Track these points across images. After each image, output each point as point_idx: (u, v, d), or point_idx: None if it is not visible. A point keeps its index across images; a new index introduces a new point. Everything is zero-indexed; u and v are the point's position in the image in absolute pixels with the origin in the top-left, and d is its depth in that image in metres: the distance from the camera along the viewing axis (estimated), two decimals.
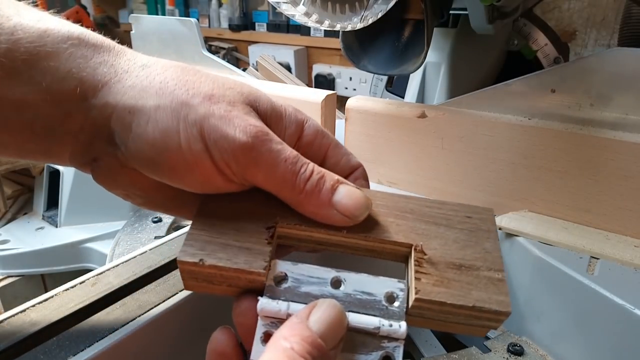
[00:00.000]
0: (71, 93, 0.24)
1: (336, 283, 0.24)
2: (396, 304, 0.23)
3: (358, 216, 0.26)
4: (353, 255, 0.27)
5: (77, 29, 0.26)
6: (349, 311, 0.23)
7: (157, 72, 0.26)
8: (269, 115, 0.28)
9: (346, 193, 0.26)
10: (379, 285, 0.24)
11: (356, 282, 0.24)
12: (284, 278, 0.24)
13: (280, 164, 0.25)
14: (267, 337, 0.22)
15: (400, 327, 0.22)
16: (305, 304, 0.23)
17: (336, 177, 0.26)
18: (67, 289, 0.35)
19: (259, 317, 0.23)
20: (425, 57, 0.53)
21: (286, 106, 0.29)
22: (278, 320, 0.23)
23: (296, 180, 0.25)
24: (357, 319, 0.23)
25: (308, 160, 0.26)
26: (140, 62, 0.26)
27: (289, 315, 0.23)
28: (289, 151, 0.26)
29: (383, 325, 0.22)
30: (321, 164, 0.28)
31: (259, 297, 0.23)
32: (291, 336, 0.20)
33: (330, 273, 0.24)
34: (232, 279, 0.24)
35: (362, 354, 0.22)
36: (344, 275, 0.24)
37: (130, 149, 0.25)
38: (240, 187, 0.26)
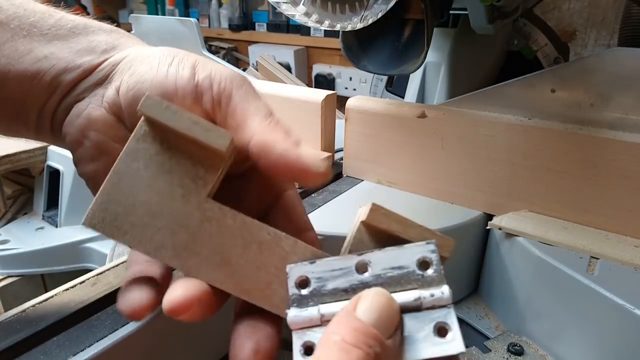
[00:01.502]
0: (99, 50, 0.28)
1: (362, 267, 0.22)
2: (431, 269, 0.21)
3: (319, 164, 0.24)
4: None
5: (115, 27, 0.30)
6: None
7: None
8: None
9: (311, 148, 0.25)
10: (407, 255, 0.22)
11: (383, 260, 0.22)
12: (306, 281, 0.22)
13: (260, 100, 0.26)
14: (308, 349, 0.21)
15: (443, 292, 0.21)
16: (338, 301, 0.21)
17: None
18: (67, 289, 0.35)
19: (292, 332, 0.21)
20: (425, 57, 0.53)
21: None
22: (315, 327, 0.21)
23: (270, 116, 0.25)
24: (398, 298, 0.21)
25: None
26: None
27: (324, 319, 0.21)
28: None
29: (424, 296, 0.21)
30: None
31: (286, 311, 0.22)
32: (341, 329, 0.19)
33: (352, 260, 0.22)
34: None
35: (413, 332, 0.20)
36: (367, 257, 0.22)
37: (126, 75, 0.27)
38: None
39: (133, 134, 0.23)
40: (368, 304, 0.20)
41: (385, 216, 0.23)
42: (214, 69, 0.26)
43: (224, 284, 0.23)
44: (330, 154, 0.24)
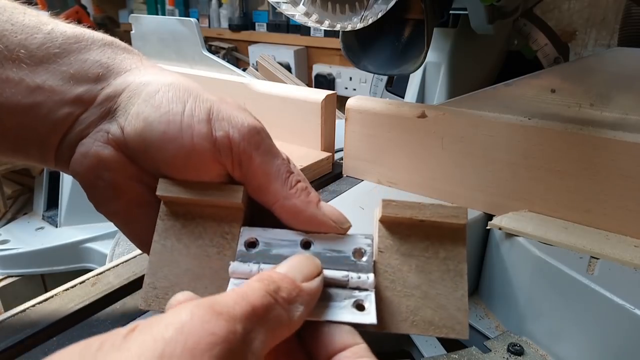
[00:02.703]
0: (94, 76, 0.26)
1: (306, 244, 0.25)
2: (364, 258, 0.24)
3: (343, 222, 0.26)
4: None
5: (109, 37, 0.28)
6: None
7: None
8: None
9: (329, 206, 0.27)
10: (347, 243, 0.25)
11: (325, 242, 0.25)
12: (254, 243, 0.25)
13: (279, 158, 0.26)
14: None
15: (369, 278, 0.24)
16: (276, 264, 0.23)
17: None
18: (67, 289, 0.35)
19: (230, 279, 0.24)
20: (425, 57, 0.53)
21: None
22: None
23: (290, 177, 0.26)
24: (327, 274, 0.24)
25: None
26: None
27: None
28: (285, 155, 0.27)
29: (352, 277, 0.24)
30: None
31: (230, 262, 0.24)
32: (258, 275, 0.21)
33: (300, 236, 0.25)
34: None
35: (335, 301, 0.23)
36: (313, 237, 0.25)
37: (131, 115, 0.25)
38: (219, 177, 0.26)
39: (158, 216, 0.26)
40: (287, 261, 0.22)
41: (397, 207, 0.25)
42: (232, 123, 0.25)
43: None
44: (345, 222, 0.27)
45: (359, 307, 0.23)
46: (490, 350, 0.40)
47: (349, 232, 0.26)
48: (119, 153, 0.26)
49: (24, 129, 0.26)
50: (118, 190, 0.27)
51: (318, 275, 0.22)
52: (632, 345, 0.34)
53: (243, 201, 0.25)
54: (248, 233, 0.25)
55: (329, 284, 0.23)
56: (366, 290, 0.23)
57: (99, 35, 0.28)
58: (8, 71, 0.24)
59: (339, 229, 0.26)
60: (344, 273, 0.24)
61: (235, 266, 0.24)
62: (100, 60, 0.27)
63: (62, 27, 0.27)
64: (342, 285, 0.24)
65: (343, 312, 0.23)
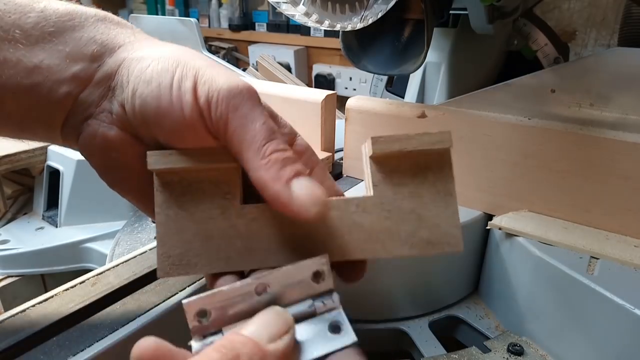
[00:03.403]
0: (89, 54, 0.26)
1: (261, 289, 0.23)
2: (322, 279, 0.24)
3: (308, 209, 0.23)
4: None
5: (102, 11, 0.28)
6: (284, 306, 0.23)
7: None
8: (266, 108, 0.27)
9: (307, 185, 0.24)
10: (303, 270, 0.24)
11: (281, 278, 0.24)
12: (205, 312, 0.23)
13: (257, 122, 0.24)
14: None
15: (334, 300, 0.24)
16: (242, 322, 0.23)
17: (306, 170, 0.25)
18: (67, 289, 0.35)
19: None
20: (425, 57, 0.53)
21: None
22: None
23: (265, 145, 0.24)
24: (293, 311, 0.23)
25: (286, 140, 0.25)
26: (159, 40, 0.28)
27: None
28: (273, 124, 0.25)
29: (317, 306, 0.24)
30: None
31: (190, 343, 0.22)
32: (220, 342, 0.20)
33: (251, 285, 0.23)
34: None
35: (311, 334, 0.23)
36: (266, 279, 0.23)
37: (127, 93, 0.25)
38: (210, 142, 0.26)
39: (155, 188, 0.26)
40: (256, 319, 0.21)
41: (385, 142, 0.25)
42: (212, 87, 0.24)
43: (296, 259, 0.25)
44: (325, 198, 0.25)
45: (335, 329, 0.23)
46: (490, 350, 0.40)
47: (301, 262, 0.24)
48: (124, 132, 0.27)
49: (27, 110, 0.26)
50: (128, 169, 0.27)
51: (287, 331, 0.21)
52: (632, 345, 0.34)
53: (238, 163, 0.25)
54: (193, 304, 0.23)
55: (300, 319, 0.23)
56: (334, 309, 0.24)
57: (92, 10, 0.28)
58: (5, 52, 0.24)
59: (301, 214, 0.23)
60: (309, 302, 0.23)
61: (198, 347, 0.22)
62: (94, 37, 0.26)
63: (54, 5, 0.26)
64: (311, 315, 0.23)
65: (322, 343, 0.22)
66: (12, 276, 0.75)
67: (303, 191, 0.23)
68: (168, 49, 0.27)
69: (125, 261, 0.39)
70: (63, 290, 0.35)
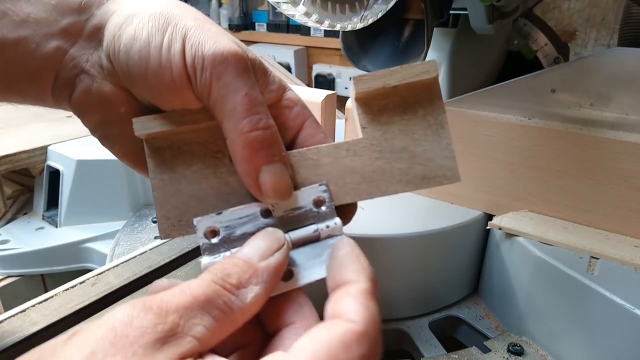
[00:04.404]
0: (76, 6, 0.26)
1: (266, 212, 0.25)
2: (324, 206, 0.25)
3: (268, 197, 0.24)
4: None
5: None
6: (288, 231, 0.24)
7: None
8: (256, 66, 0.27)
9: (278, 171, 0.24)
10: (304, 197, 0.25)
11: (283, 204, 0.25)
12: (215, 231, 0.24)
13: (239, 92, 0.24)
14: None
15: (336, 223, 0.24)
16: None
17: (283, 150, 0.25)
18: (67, 289, 0.35)
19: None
20: (425, 57, 0.53)
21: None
22: None
23: (246, 119, 0.24)
24: (297, 234, 0.24)
25: (270, 116, 0.25)
26: None
27: None
28: (257, 94, 0.25)
29: (321, 229, 0.24)
30: (296, 133, 0.28)
31: (200, 259, 0.24)
32: (208, 269, 0.20)
33: (257, 206, 0.25)
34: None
35: (315, 258, 0.23)
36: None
37: (116, 48, 0.25)
38: (196, 104, 0.26)
39: (146, 154, 0.26)
40: (250, 241, 0.22)
41: (369, 80, 0.25)
42: (199, 51, 0.24)
43: None
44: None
45: None
46: (490, 350, 0.40)
47: (302, 188, 0.25)
48: (118, 88, 0.26)
49: (14, 66, 0.25)
50: (122, 126, 0.27)
51: (279, 248, 0.22)
52: (632, 345, 0.34)
53: None
54: (204, 223, 0.24)
55: (302, 242, 0.24)
56: (338, 235, 0.24)
57: None
58: None
59: (261, 199, 0.25)
60: (313, 227, 0.24)
61: (206, 262, 0.23)
62: None
63: None
64: (315, 239, 0.24)
65: (318, 269, 0.23)
66: (12, 276, 0.75)
67: (268, 183, 0.24)
68: (158, 3, 0.26)
69: (125, 261, 0.39)
70: (63, 290, 0.35)
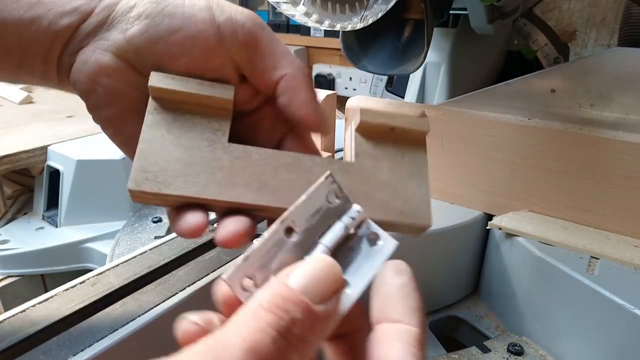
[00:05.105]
0: None
1: (288, 230, 0.22)
2: (339, 198, 0.23)
3: (327, 128, 0.28)
4: None
5: None
6: (318, 238, 0.22)
7: None
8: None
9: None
10: (316, 195, 0.23)
11: (300, 214, 0.22)
12: (251, 279, 0.21)
13: (281, 42, 0.27)
14: None
15: (358, 211, 0.23)
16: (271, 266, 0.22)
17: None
18: (67, 289, 0.35)
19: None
20: (425, 57, 0.53)
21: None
22: None
23: (297, 61, 0.27)
24: (330, 240, 0.22)
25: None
26: None
27: None
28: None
29: (348, 222, 0.23)
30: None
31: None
32: (263, 295, 0.17)
33: (279, 231, 0.22)
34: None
35: (356, 256, 0.22)
36: (289, 219, 0.22)
37: (132, 17, 0.26)
38: (222, 67, 0.27)
39: (147, 110, 0.26)
40: (301, 269, 0.18)
41: (373, 115, 0.28)
42: (232, 11, 0.26)
43: (268, 202, 0.26)
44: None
45: (372, 240, 0.23)
46: (490, 350, 0.40)
47: (311, 188, 0.23)
48: (119, 60, 0.27)
49: (27, 43, 0.26)
50: (116, 96, 0.28)
51: (336, 291, 0.18)
52: (632, 345, 0.34)
53: (233, 99, 0.27)
54: (236, 276, 0.21)
55: (339, 247, 0.22)
56: (362, 222, 0.23)
57: None
58: None
59: (318, 129, 0.27)
60: (340, 225, 0.22)
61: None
62: None
63: None
64: (347, 237, 0.22)
65: (367, 265, 0.22)
66: (12, 276, 0.75)
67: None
68: None
69: (125, 261, 0.39)
70: (63, 290, 0.35)
